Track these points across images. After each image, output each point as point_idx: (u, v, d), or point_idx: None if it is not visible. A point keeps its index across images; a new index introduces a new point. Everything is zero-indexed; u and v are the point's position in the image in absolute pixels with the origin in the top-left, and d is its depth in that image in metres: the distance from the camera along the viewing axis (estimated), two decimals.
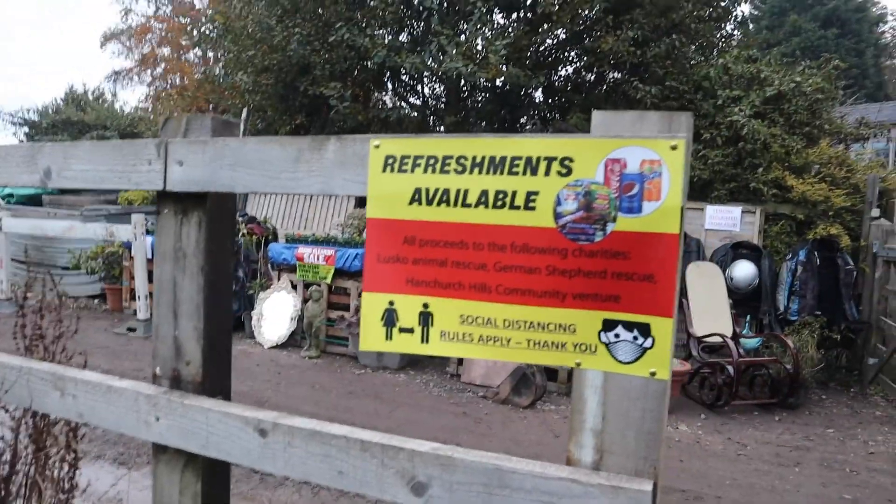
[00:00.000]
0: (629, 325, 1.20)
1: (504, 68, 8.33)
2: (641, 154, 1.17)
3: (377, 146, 1.37)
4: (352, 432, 1.43)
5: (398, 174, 1.35)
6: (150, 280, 9.04)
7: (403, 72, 8.57)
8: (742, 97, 8.21)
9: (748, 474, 5.08)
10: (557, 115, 9.49)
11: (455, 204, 1.30)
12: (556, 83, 10.18)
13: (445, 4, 8.35)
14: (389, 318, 1.37)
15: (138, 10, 26.58)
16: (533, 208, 1.23)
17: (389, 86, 10.78)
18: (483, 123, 9.41)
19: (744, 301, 7.60)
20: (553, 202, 1.21)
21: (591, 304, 1.22)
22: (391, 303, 1.37)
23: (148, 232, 9.07)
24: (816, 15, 26.11)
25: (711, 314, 7.05)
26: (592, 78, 10.13)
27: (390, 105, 10.74)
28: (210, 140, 1.63)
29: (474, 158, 1.28)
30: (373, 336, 1.38)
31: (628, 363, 1.21)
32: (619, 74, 9.31)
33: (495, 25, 8.76)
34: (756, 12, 28.11)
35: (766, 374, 6.87)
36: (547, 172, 1.22)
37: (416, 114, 10.25)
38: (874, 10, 28.35)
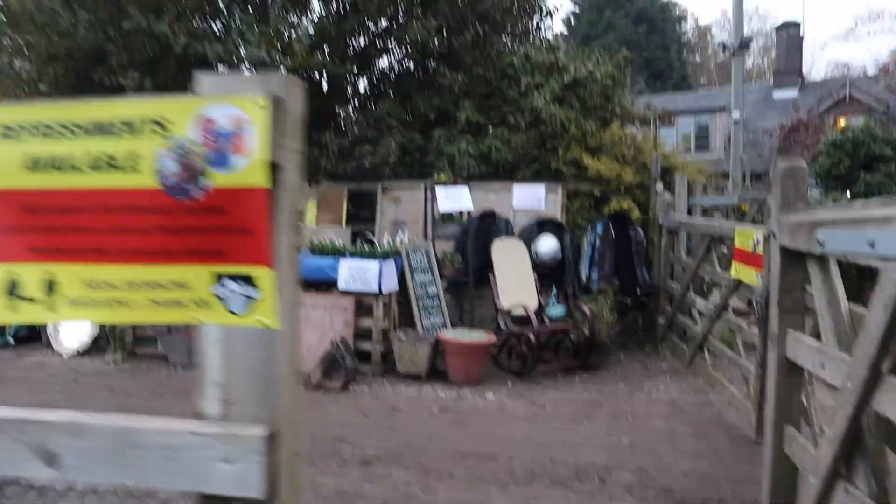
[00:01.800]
0: (236, 278, 1.25)
1: (316, 57, 8.29)
2: (231, 112, 1.22)
3: None
4: None
5: (10, 142, 1.31)
6: None
7: (208, 60, 8.21)
8: (543, 84, 8.74)
9: (543, 432, 5.45)
10: (374, 104, 9.60)
11: (67, 170, 1.28)
12: (376, 73, 10.27)
13: None
14: (12, 288, 1.34)
15: None
16: (137, 169, 1.24)
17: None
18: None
19: (550, 274, 8.09)
20: (154, 162, 1.23)
21: (200, 259, 1.26)
22: (13, 273, 1.33)
23: None
24: (628, 13, 28.27)
25: (517, 287, 7.47)
26: (411, 67, 10.33)
27: None
28: None
29: (81, 124, 1.27)
30: None
31: (241, 315, 1.26)
32: (433, 64, 9.55)
33: (306, 13, 8.66)
34: (576, 10, 30.10)
35: (569, 340, 7.39)
36: (146, 133, 1.24)
37: None
38: (676, 10, 31.12)
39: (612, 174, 8.15)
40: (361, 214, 9.37)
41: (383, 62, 10.07)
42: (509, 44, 9.93)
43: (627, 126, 9.44)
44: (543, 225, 8.30)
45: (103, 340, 7.61)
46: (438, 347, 6.77)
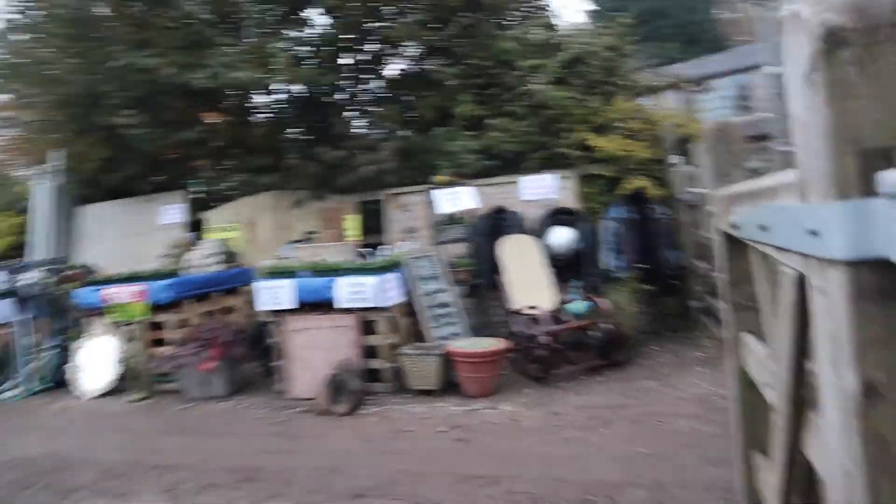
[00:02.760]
0: None
1: (303, 71, 8.06)
2: None
3: None
4: None
5: None
6: None
7: (196, 88, 8.04)
8: (541, 65, 8.23)
9: (554, 445, 5.01)
10: (372, 110, 9.28)
11: None
12: (372, 79, 9.95)
13: (221, 15, 7.95)
14: None
15: None
16: None
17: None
18: (295, 128, 9.11)
19: (570, 266, 7.61)
20: None
21: None
22: None
23: None
24: None
25: (531, 286, 7.03)
26: (407, 68, 9.99)
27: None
28: None
29: None
30: None
31: None
32: (427, 61, 9.16)
33: (282, 29, 8.43)
34: None
35: (592, 337, 6.88)
36: None
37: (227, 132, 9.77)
38: None
39: (623, 152, 7.58)
40: (371, 226, 9.09)
41: (378, 66, 9.74)
42: (505, 28, 9.41)
43: (636, 98, 8.78)
44: (557, 215, 7.83)
45: (125, 380, 7.57)
46: (449, 359, 6.41)
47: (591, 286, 7.55)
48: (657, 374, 6.51)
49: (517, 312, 6.74)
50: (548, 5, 9.99)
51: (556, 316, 6.78)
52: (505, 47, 8.40)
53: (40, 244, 10.25)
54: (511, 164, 8.24)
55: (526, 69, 8.16)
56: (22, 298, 8.20)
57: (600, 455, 4.75)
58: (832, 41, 0.94)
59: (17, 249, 10.58)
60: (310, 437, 5.67)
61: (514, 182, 8.11)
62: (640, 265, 7.46)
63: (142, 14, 8.35)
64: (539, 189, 7.96)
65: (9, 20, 8.93)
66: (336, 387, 6.10)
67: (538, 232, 7.73)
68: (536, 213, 7.99)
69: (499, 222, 7.91)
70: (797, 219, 1.12)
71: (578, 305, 7.07)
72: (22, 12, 8.88)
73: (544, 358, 6.40)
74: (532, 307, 6.66)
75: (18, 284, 8.14)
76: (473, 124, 8.36)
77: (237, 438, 5.79)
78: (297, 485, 4.66)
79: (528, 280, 7.06)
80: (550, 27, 8.72)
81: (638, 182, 7.58)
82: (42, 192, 10.29)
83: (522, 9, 9.74)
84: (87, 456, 5.61)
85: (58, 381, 8.05)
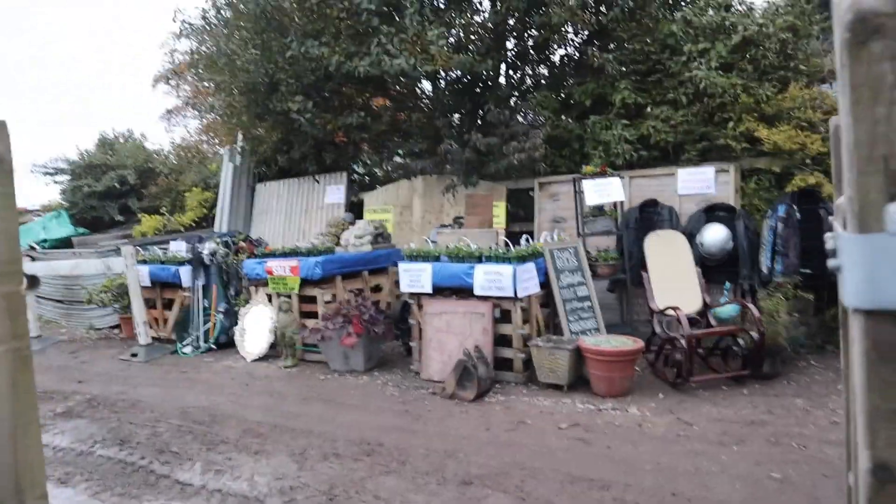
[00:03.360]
0: None
1: (458, 57, 8.16)
2: None
3: None
4: None
5: None
6: (149, 306, 9.46)
7: (360, 73, 8.43)
8: (709, 49, 7.65)
9: (677, 457, 4.72)
10: (527, 97, 9.17)
11: None
12: (528, 65, 9.83)
13: (386, 3, 8.22)
14: None
15: (182, 49, 27.76)
16: None
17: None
18: (451, 115, 9.26)
19: (722, 267, 7.08)
20: None
21: None
22: None
23: (143, 262, 9.49)
24: None
25: (676, 286, 6.63)
26: (564, 54, 9.75)
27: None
28: None
29: None
30: None
31: None
32: (582, 45, 8.88)
33: (444, 15, 8.54)
34: None
35: (740, 345, 6.36)
36: None
37: (386, 115, 10.14)
38: None
39: (794, 145, 6.85)
40: (521, 214, 9.06)
41: (539, 53, 9.59)
42: (673, 9, 8.83)
43: (819, 85, 7.87)
44: (712, 212, 7.29)
45: (279, 347, 8.22)
46: (581, 355, 6.24)
47: (744, 290, 6.98)
48: (809, 392, 5.89)
49: (659, 312, 6.40)
50: None
51: (700, 319, 6.36)
52: (671, 30, 7.89)
53: (224, 217, 11.38)
54: (668, 154, 7.78)
55: (692, 53, 7.61)
56: (202, 266, 9.16)
57: (725, 474, 4.40)
58: (863, 31, 0.78)
59: (201, 221, 11.84)
60: (433, 419, 5.80)
61: (670, 174, 7.67)
62: (805, 270, 6.76)
63: (317, 5, 8.87)
64: (697, 183, 7.46)
65: (205, 17, 9.93)
66: (465, 372, 6.18)
67: (691, 228, 7.26)
68: (692, 207, 7.51)
69: (650, 216, 7.53)
70: (835, 249, 0.96)
71: (726, 309, 6.57)
72: (218, 10, 9.84)
73: (683, 363, 6.03)
74: (675, 308, 6.28)
75: (199, 254, 9.09)
76: (631, 112, 7.99)
77: (367, 413, 6.07)
78: (411, 464, 4.80)
79: (673, 278, 6.67)
80: (725, 7, 8.02)
81: (811, 178, 6.85)
82: (227, 171, 11.40)
83: None
84: (236, 413, 6.19)
85: (225, 343, 8.93)
